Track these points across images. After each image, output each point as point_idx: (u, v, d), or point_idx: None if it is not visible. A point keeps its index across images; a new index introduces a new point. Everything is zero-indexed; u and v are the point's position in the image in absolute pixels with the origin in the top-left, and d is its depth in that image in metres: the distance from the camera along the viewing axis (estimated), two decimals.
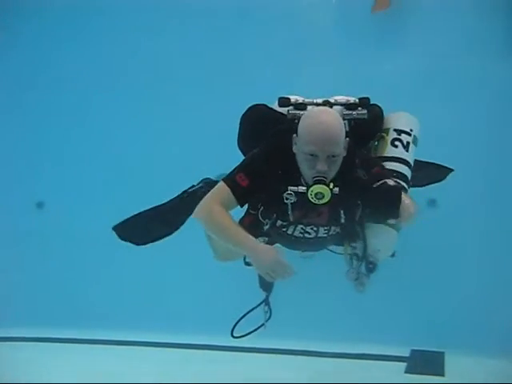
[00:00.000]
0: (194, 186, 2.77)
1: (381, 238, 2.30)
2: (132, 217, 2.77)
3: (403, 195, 2.20)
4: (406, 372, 2.80)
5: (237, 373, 2.79)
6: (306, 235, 2.31)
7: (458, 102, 3.28)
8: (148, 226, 2.77)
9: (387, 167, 2.39)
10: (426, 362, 2.93)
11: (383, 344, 3.06)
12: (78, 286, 3.79)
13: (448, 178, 2.82)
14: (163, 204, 2.76)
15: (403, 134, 2.48)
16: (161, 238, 2.78)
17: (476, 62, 3.27)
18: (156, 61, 3.85)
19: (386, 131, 2.50)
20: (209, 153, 3.56)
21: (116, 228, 2.76)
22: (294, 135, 2.16)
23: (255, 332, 2.43)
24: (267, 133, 2.31)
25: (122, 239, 2.77)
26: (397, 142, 2.46)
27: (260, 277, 2.38)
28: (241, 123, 2.49)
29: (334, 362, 3.00)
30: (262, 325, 2.43)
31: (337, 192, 2.07)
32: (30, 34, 4.08)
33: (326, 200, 2.05)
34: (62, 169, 3.99)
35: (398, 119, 2.54)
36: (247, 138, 2.47)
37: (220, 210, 2.17)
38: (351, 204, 2.23)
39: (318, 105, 2.33)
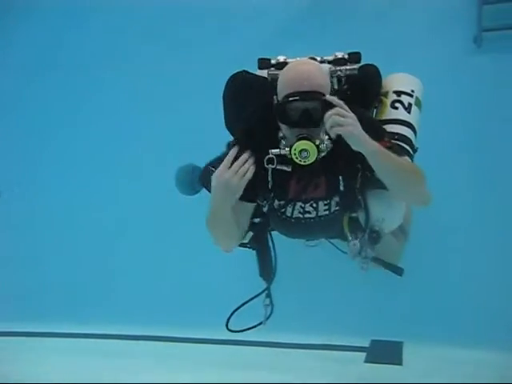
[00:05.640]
0: None
1: (385, 205, 2.13)
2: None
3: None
4: (365, 361, 2.85)
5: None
6: (307, 215, 2.13)
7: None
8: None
9: (388, 130, 2.20)
10: (385, 351, 2.97)
11: (344, 335, 3.09)
12: (44, 277, 3.77)
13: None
14: None
15: (403, 95, 2.30)
16: None
17: (443, 56, 3.32)
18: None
19: (385, 94, 2.32)
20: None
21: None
22: (275, 97, 2.00)
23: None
24: (252, 101, 2.16)
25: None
26: (397, 104, 2.29)
27: (260, 264, 2.28)
28: (224, 100, 2.33)
29: (293, 352, 3.03)
30: (261, 323, 2.35)
31: (324, 149, 1.90)
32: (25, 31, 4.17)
33: (312, 158, 1.87)
34: (19, 157, 3.95)
35: (397, 80, 2.36)
36: (232, 113, 2.31)
37: None
38: (349, 168, 2.04)
39: None
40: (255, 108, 2.14)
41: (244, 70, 2.31)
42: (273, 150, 1.97)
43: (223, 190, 1.94)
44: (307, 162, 1.89)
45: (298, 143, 1.86)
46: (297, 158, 1.88)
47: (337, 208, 2.14)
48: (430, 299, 3.14)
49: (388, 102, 2.29)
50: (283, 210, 2.13)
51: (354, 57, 2.17)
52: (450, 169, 3.22)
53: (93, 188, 3.87)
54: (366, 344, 3.06)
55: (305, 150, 1.85)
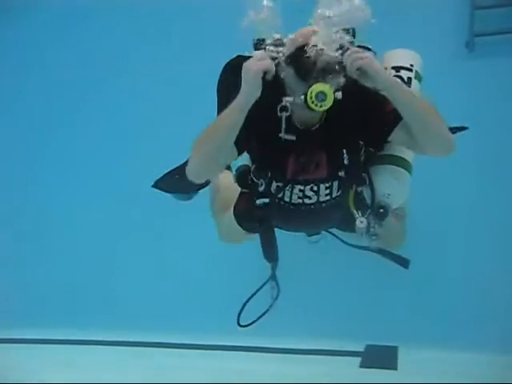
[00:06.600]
0: None
1: (390, 180, 2.09)
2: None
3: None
4: (360, 366, 2.86)
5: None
6: (306, 200, 2.05)
7: None
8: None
9: None
10: (380, 356, 3.00)
11: (339, 339, 3.11)
12: (44, 278, 3.81)
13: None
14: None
15: (403, 71, 2.26)
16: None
17: (435, 60, 3.29)
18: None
19: None
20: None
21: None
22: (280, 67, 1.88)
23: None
24: None
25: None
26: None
27: (264, 247, 2.21)
28: (219, 85, 2.21)
29: (289, 357, 3.05)
30: (267, 310, 2.26)
31: (339, 97, 1.81)
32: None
33: (329, 102, 1.79)
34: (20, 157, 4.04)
35: (395, 56, 2.33)
36: (229, 98, 2.07)
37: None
38: (351, 141, 2.00)
39: None
40: None
41: (238, 55, 2.18)
42: (287, 98, 1.87)
43: (258, 64, 1.86)
44: (323, 107, 1.81)
45: (314, 86, 1.79)
46: (313, 103, 1.80)
47: (338, 194, 2.07)
48: (425, 304, 3.16)
49: None
50: (281, 194, 2.05)
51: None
52: (448, 171, 3.22)
53: (93, 188, 3.89)
54: (361, 348, 3.09)
55: (322, 93, 1.78)
